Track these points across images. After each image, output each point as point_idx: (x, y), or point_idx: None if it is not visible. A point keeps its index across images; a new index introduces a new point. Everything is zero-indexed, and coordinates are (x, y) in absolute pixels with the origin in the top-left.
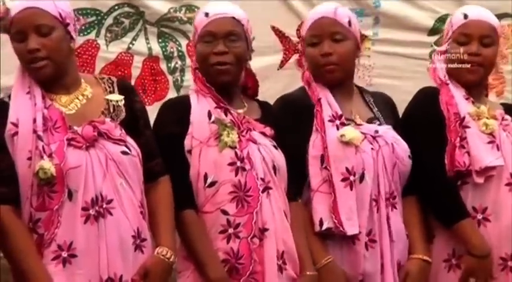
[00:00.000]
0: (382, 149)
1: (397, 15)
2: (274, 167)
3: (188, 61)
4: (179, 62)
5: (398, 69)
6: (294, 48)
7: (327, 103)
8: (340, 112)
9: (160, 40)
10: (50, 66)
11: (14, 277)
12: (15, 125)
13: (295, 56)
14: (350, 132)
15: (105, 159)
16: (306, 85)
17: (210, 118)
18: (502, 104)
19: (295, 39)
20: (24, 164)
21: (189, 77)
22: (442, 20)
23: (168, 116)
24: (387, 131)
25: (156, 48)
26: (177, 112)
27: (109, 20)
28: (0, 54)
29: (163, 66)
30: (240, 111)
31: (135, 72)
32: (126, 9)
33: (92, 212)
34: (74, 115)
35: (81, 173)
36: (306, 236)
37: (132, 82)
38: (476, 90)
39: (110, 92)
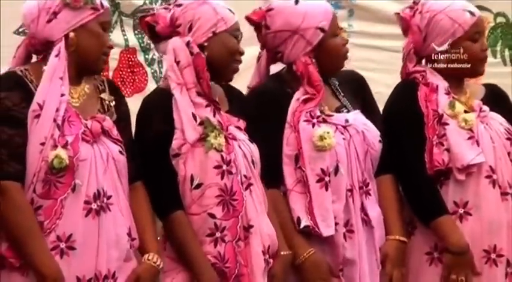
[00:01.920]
0: (353, 138)
1: (371, 7)
2: (253, 162)
3: None
4: (156, 54)
5: (374, 62)
6: None
7: (314, 103)
8: (318, 113)
9: (136, 32)
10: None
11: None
12: (41, 106)
13: None
14: (328, 140)
15: (107, 156)
16: (306, 75)
17: (195, 119)
18: (484, 84)
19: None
20: (36, 148)
21: None
22: None
23: (154, 114)
24: (356, 118)
25: (133, 40)
26: (163, 110)
27: None
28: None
29: (140, 58)
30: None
31: (113, 64)
32: None
33: (93, 206)
34: (79, 108)
35: (86, 167)
36: (278, 219)
37: (110, 74)
38: (459, 81)
39: (102, 91)
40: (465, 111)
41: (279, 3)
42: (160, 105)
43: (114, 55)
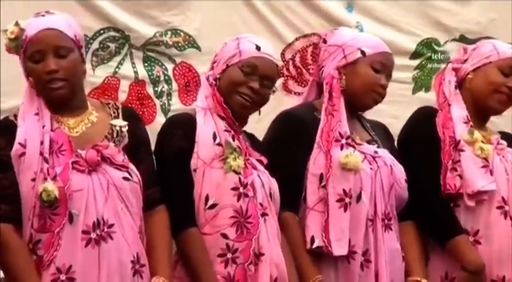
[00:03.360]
0: (380, 169)
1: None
2: (270, 194)
3: (175, 85)
4: (166, 86)
5: None
6: (280, 72)
7: (339, 121)
8: (348, 133)
9: (146, 64)
10: (67, 87)
11: None
12: (23, 145)
13: (281, 80)
14: (353, 158)
15: (107, 184)
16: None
17: (214, 140)
18: (499, 132)
19: (280, 63)
20: (28, 185)
21: (176, 101)
22: (424, 43)
23: (175, 131)
24: (385, 153)
25: (142, 72)
26: (184, 128)
27: (95, 45)
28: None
29: (149, 90)
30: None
31: (122, 96)
32: (112, 33)
33: (93, 235)
34: (78, 138)
35: (83, 197)
36: (294, 252)
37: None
38: (483, 115)
39: (115, 117)
40: (482, 142)
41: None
42: (182, 122)
43: (124, 87)
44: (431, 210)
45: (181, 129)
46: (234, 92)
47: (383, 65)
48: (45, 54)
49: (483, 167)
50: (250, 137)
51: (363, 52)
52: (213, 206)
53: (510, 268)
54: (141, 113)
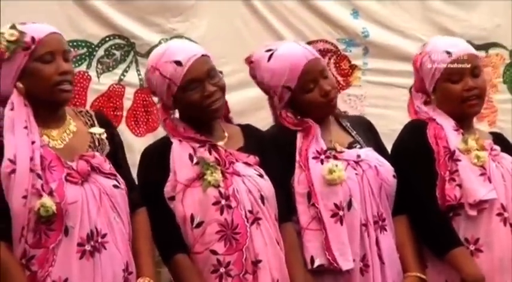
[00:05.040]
0: (366, 172)
1: (386, 44)
2: (261, 197)
3: None
4: None
5: (389, 99)
6: None
7: (314, 139)
8: (324, 147)
9: None
10: (71, 92)
11: None
12: (13, 162)
13: None
14: (337, 172)
15: (99, 194)
16: (289, 123)
17: (192, 160)
18: (490, 133)
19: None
20: (19, 202)
21: None
22: None
23: (149, 163)
24: (369, 154)
25: None
26: (157, 158)
27: (100, 52)
28: None
29: (155, 97)
30: (221, 143)
31: (127, 103)
32: (117, 40)
33: (87, 247)
34: (63, 150)
35: (78, 209)
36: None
37: (124, 113)
38: (467, 120)
39: (91, 125)
40: (477, 150)
41: (257, 57)
42: (155, 153)
43: (129, 95)
44: (428, 223)
45: (155, 159)
46: (200, 110)
47: (315, 74)
48: (56, 56)
49: (481, 175)
50: (245, 130)
51: (289, 88)
52: (199, 224)
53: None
54: (145, 120)
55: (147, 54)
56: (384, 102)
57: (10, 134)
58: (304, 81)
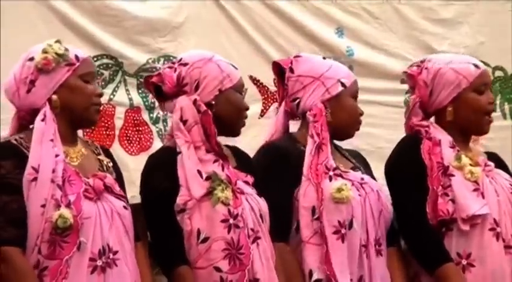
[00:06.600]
0: (368, 195)
1: (370, 63)
2: (261, 216)
3: None
4: (161, 112)
5: (375, 117)
6: (273, 97)
7: (326, 154)
8: (334, 165)
9: (140, 91)
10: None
11: None
12: (36, 170)
13: (275, 105)
14: (345, 191)
15: (111, 212)
16: (316, 134)
17: (201, 175)
18: (485, 152)
19: (272, 88)
20: (37, 211)
21: None
22: None
23: (157, 173)
24: (370, 179)
25: (137, 99)
26: (165, 168)
27: None
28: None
29: (145, 116)
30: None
31: (118, 123)
32: (105, 60)
33: (99, 263)
34: (78, 167)
35: (91, 224)
36: (286, 272)
37: (116, 133)
38: (465, 137)
39: (98, 154)
40: (470, 165)
41: (308, 54)
42: (163, 162)
43: (120, 114)
44: (418, 238)
45: (163, 168)
46: (239, 117)
47: (356, 93)
48: (93, 78)
49: (474, 190)
50: (234, 151)
51: (343, 84)
52: (205, 240)
53: None
54: (138, 139)
55: (135, 73)
56: (370, 120)
57: (38, 145)
58: (353, 90)
